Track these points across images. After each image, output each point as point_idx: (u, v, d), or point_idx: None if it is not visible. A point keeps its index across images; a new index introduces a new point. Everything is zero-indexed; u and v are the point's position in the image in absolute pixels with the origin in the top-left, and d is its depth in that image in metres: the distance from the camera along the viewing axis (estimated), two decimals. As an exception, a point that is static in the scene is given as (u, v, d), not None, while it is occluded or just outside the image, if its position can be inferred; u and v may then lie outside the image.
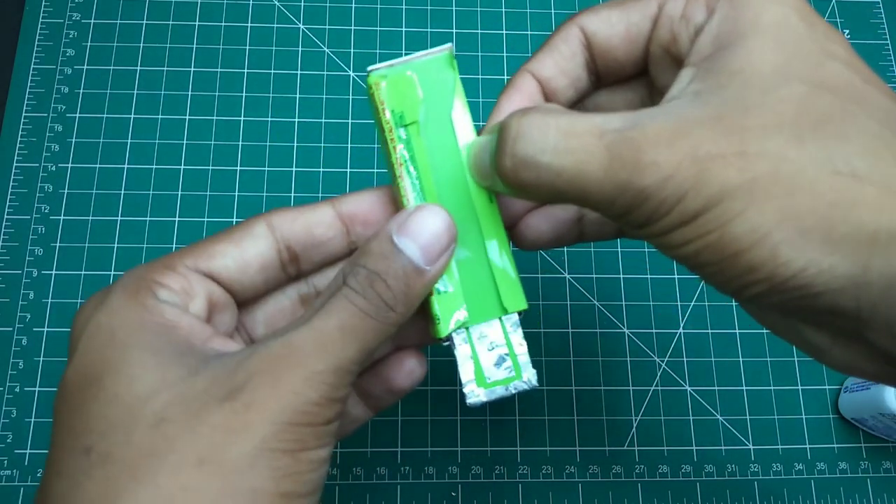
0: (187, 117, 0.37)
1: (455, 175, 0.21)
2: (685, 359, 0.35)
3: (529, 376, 0.21)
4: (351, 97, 0.38)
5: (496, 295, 0.21)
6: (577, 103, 0.23)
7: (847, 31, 0.41)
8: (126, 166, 0.36)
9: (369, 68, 0.21)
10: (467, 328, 0.21)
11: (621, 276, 0.36)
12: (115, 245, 0.35)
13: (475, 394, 0.21)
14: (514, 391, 0.21)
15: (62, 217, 0.36)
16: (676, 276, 0.37)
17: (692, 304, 0.36)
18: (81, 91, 0.38)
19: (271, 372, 0.18)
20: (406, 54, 0.40)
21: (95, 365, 0.18)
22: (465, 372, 0.21)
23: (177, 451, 0.17)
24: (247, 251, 0.21)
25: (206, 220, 0.36)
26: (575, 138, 0.17)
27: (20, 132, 0.37)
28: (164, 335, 0.19)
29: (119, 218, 0.36)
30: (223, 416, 0.17)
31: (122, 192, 0.36)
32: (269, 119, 0.38)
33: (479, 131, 0.21)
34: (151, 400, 0.18)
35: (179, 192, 0.36)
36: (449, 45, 0.22)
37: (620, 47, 0.21)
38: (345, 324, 0.19)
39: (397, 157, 0.21)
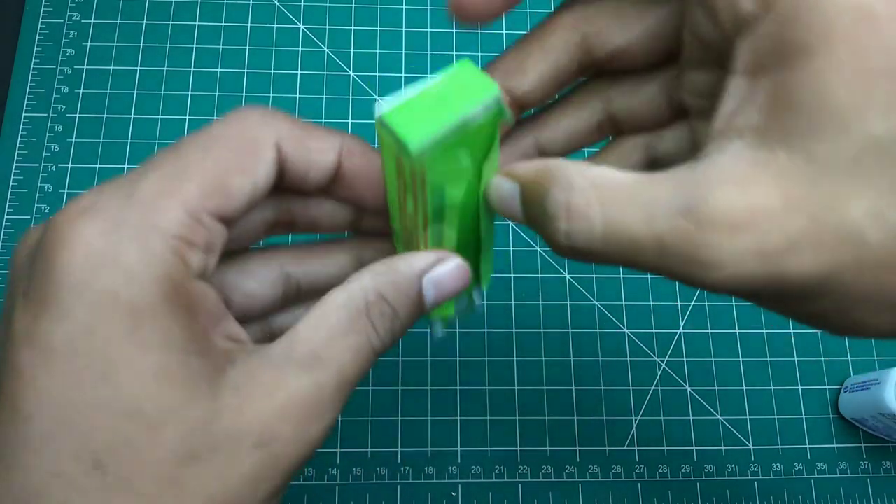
0: (187, 117, 0.37)
1: (469, 207, 0.19)
2: (685, 359, 0.35)
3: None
4: (351, 97, 0.38)
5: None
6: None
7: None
8: (126, 166, 0.36)
9: (401, 133, 0.16)
10: None
11: (621, 276, 0.36)
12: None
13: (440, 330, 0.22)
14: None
15: (62, 217, 0.36)
16: (676, 276, 0.37)
17: (692, 304, 0.36)
18: (81, 91, 0.38)
19: (295, 421, 0.17)
20: (406, 57, 0.39)
21: (97, 353, 0.15)
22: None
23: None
24: (259, 178, 0.17)
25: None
26: (625, 232, 0.15)
27: (20, 132, 0.37)
28: (182, 323, 0.16)
29: (119, 218, 0.36)
30: (257, 469, 0.16)
31: (122, 192, 0.36)
32: (269, 119, 0.38)
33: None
34: (160, 432, 0.15)
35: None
36: (496, 94, 0.17)
37: (639, 52, 0.18)
38: (358, 360, 0.18)
39: (425, 222, 0.19)
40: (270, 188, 0.18)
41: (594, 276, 0.36)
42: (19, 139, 0.37)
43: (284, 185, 0.19)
